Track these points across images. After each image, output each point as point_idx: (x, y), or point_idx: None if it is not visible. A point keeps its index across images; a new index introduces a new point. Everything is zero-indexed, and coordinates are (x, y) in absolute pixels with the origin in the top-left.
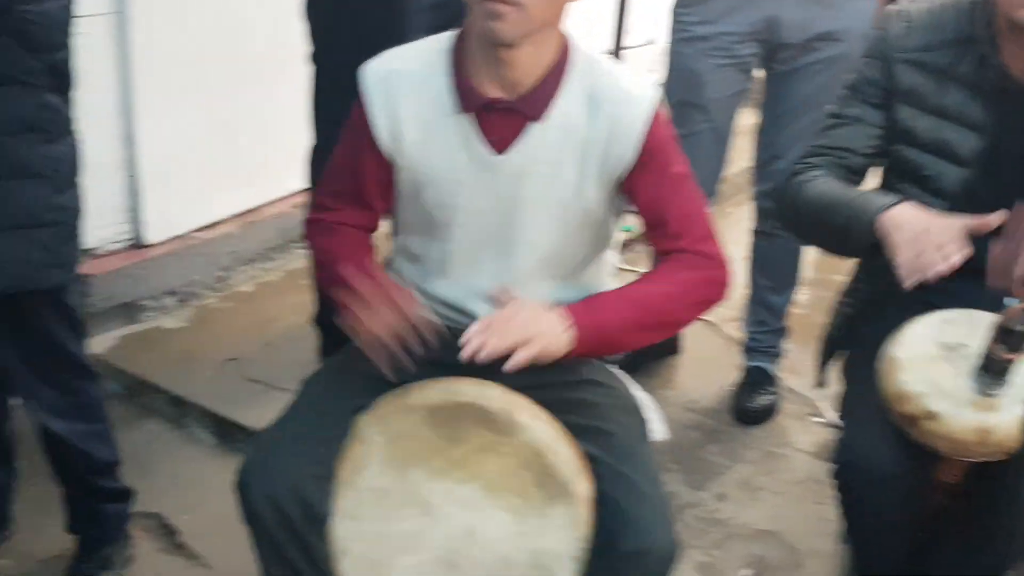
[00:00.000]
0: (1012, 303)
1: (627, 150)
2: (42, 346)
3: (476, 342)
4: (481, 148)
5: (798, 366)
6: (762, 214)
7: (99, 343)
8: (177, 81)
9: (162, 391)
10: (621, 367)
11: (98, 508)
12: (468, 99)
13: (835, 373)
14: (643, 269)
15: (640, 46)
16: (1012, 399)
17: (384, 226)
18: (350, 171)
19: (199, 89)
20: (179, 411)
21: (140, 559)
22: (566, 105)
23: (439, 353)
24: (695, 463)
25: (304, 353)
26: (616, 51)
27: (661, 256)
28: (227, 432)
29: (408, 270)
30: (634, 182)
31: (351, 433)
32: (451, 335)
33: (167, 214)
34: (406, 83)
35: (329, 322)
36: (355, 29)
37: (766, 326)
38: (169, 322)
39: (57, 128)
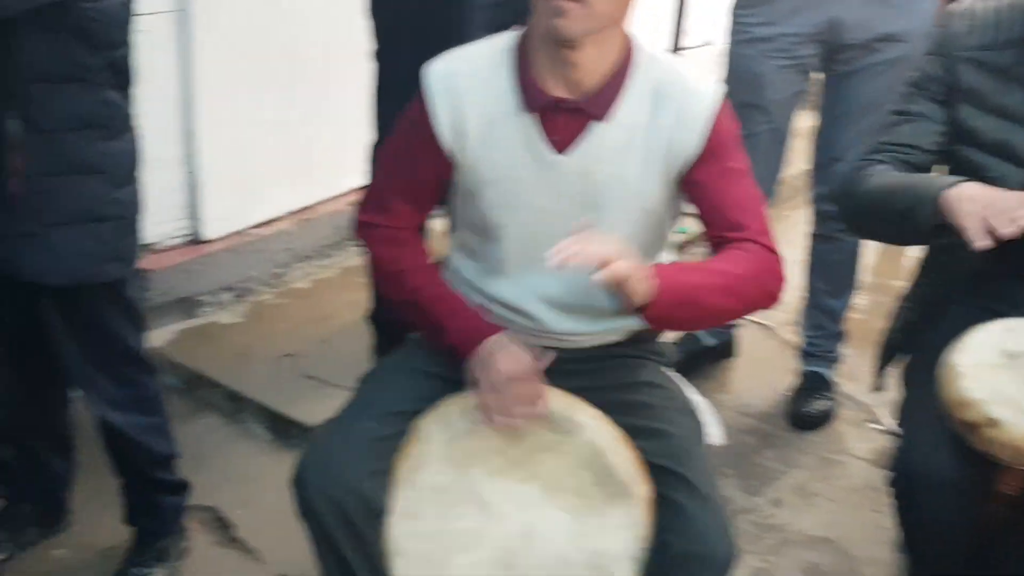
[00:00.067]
0: None
1: (691, 143)
2: (101, 339)
3: (569, 249)
4: (543, 148)
5: (855, 371)
6: (820, 217)
7: (157, 337)
8: (237, 78)
9: (218, 386)
10: (676, 370)
11: (155, 500)
12: (532, 98)
13: (893, 379)
14: None
15: (698, 47)
16: None
17: (439, 224)
18: (405, 168)
19: (259, 87)
20: (235, 406)
21: (195, 552)
22: (630, 104)
23: None
24: (750, 468)
25: (359, 350)
26: (674, 52)
27: (720, 247)
28: (282, 428)
29: (466, 268)
30: (696, 175)
31: (410, 431)
32: None
33: (225, 210)
34: (470, 82)
35: (384, 320)
36: (417, 26)
37: (823, 330)
38: (226, 317)
39: (117, 124)
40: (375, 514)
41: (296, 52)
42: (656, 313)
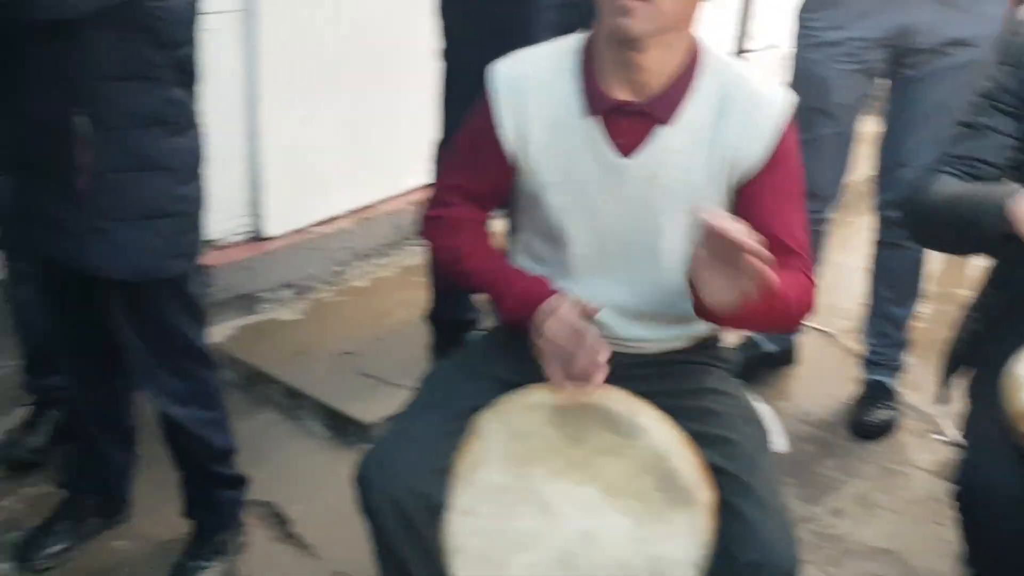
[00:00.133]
0: None
1: (755, 153)
2: (163, 334)
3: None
4: (608, 151)
5: (919, 381)
6: (885, 224)
7: (217, 333)
8: (301, 78)
9: (277, 382)
10: (737, 376)
11: (213, 494)
12: (596, 102)
13: (958, 390)
14: None
15: (762, 50)
16: None
17: (499, 224)
18: (469, 168)
19: (322, 86)
20: (293, 402)
21: (252, 547)
22: (695, 108)
23: None
24: (810, 477)
25: (416, 349)
26: (738, 55)
27: None
28: (340, 425)
29: (529, 267)
30: (754, 186)
31: (470, 429)
32: None
33: (287, 208)
34: (534, 85)
35: (442, 319)
36: (485, 26)
37: (887, 338)
38: (285, 314)
39: (182, 121)
40: (435, 512)
41: (360, 52)
42: (734, 317)
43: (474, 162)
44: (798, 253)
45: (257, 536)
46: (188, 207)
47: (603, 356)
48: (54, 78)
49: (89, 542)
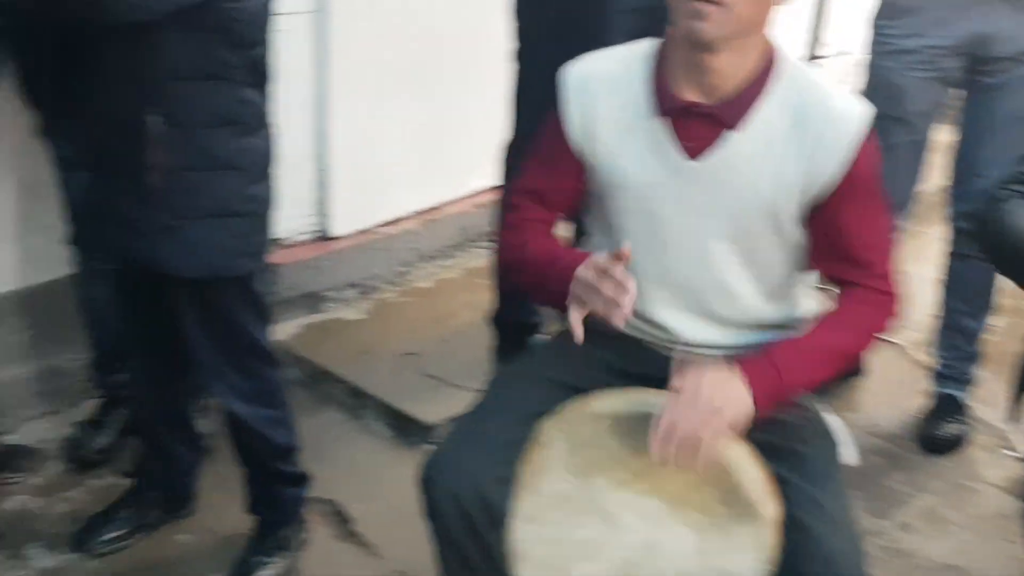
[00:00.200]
0: None
1: (831, 169)
2: (229, 332)
3: (661, 452)
4: (674, 153)
5: (990, 396)
6: (958, 235)
7: (283, 331)
8: (371, 79)
9: (341, 381)
10: None
11: (276, 491)
12: (664, 103)
13: None
14: (835, 289)
15: (834, 56)
16: None
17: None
18: (543, 172)
19: (391, 87)
20: (357, 402)
21: (314, 544)
22: (767, 115)
23: (629, 361)
24: (878, 490)
25: (479, 351)
26: (810, 61)
27: (836, 282)
28: (402, 425)
29: None
30: (830, 206)
31: (534, 437)
32: (638, 345)
33: (353, 208)
34: (603, 85)
35: (505, 322)
36: (559, 28)
37: (958, 351)
38: (350, 314)
39: (254, 122)
40: (498, 517)
41: (431, 53)
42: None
43: (548, 165)
44: (876, 269)
45: (318, 534)
46: (258, 207)
47: (630, 284)
48: (129, 78)
49: (150, 534)
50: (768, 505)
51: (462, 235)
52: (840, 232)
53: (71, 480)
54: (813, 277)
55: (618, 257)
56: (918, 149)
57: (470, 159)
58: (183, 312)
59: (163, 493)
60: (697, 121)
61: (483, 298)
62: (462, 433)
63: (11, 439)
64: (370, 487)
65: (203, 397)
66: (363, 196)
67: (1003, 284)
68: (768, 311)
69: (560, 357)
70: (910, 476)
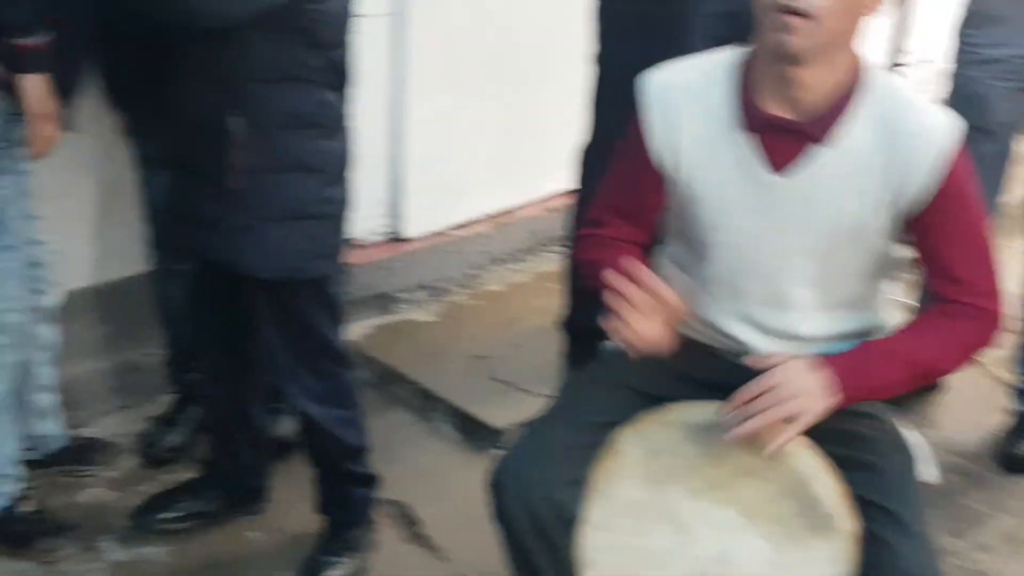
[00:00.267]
0: None
1: (922, 185)
2: (303, 333)
3: (741, 425)
4: (760, 168)
5: None
6: None
7: (354, 331)
8: (447, 82)
9: (410, 383)
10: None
11: (346, 492)
12: (750, 117)
13: None
14: (914, 302)
15: (916, 64)
16: None
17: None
18: (627, 186)
19: (468, 91)
20: (426, 404)
21: (382, 545)
22: (855, 130)
23: (704, 372)
24: (955, 509)
25: (548, 356)
26: (891, 69)
27: (936, 298)
28: (471, 429)
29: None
30: (924, 222)
31: (608, 444)
32: (713, 356)
33: (427, 211)
34: (687, 96)
35: (576, 327)
36: (641, 32)
37: None
38: (420, 315)
39: (332, 124)
40: (569, 523)
41: (507, 57)
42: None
43: (628, 177)
44: (977, 287)
45: (386, 535)
46: (334, 209)
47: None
48: (210, 80)
49: (212, 524)
50: (846, 518)
51: (534, 239)
52: (937, 248)
53: (144, 475)
54: (893, 288)
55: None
56: (1001, 160)
57: (544, 163)
58: (258, 313)
59: (229, 488)
60: (783, 135)
61: (553, 303)
62: (533, 438)
63: (87, 432)
64: (438, 490)
65: (276, 397)
66: (436, 198)
67: None
68: (843, 325)
69: (633, 364)
70: (989, 496)
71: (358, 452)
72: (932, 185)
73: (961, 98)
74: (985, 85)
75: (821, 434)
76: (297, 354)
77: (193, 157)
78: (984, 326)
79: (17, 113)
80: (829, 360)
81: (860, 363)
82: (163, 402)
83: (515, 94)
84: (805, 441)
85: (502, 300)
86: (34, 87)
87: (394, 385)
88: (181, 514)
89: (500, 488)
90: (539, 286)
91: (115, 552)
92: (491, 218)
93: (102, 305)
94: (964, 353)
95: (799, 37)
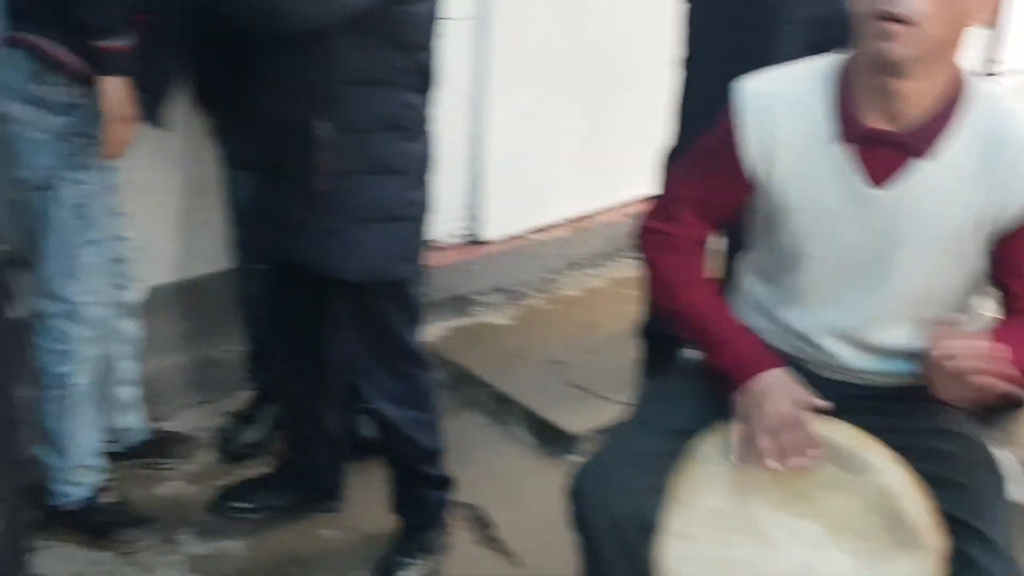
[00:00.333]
0: None
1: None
2: (382, 334)
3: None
4: (857, 180)
5: None
6: None
7: (430, 333)
8: (529, 85)
9: (486, 386)
10: (973, 418)
11: (420, 493)
12: (849, 128)
13: None
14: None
15: (1009, 74)
16: None
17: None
18: (702, 182)
19: (549, 95)
20: (501, 407)
21: (455, 548)
22: (958, 144)
23: None
24: None
25: (625, 363)
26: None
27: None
28: (546, 434)
29: (758, 292)
30: (1019, 236)
31: (689, 452)
32: (800, 368)
33: (505, 214)
34: (784, 105)
35: (654, 333)
36: (732, 37)
37: None
38: (497, 318)
39: (415, 126)
40: (648, 531)
41: (590, 61)
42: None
43: (708, 177)
44: None
45: (460, 538)
46: (416, 211)
47: (813, 455)
48: (297, 83)
49: (286, 518)
50: (933, 534)
51: (612, 244)
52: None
53: (222, 470)
54: (983, 303)
55: (809, 404)
56: None
57: (625, 167)
58: (338, 314)
59: (304, 485)
60: (883, 148)
61: (630, 309)
62: (614, 445)
63: (167, 426)
64: (512, 494)
65: (355, 398)
66: (515, 202)
67: None
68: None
69: (716, 374)
70: None
71: (433, 454)
72: None
73: None
74: None
75: (910, 451)
76: (375, 355)
77: (279, 160)
78: None
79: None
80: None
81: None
82: (242, 398)
83: (597, 98)
84: (893, 456)
85: (579, 305)
86: (114, 89)
87: (469, 388)
88: (255, 507)
89: (580, 495)
90: (616, 292)
91: (193, 545)
92: (570, 222)
93: (184, 301)
94: None
95: (901, 45)
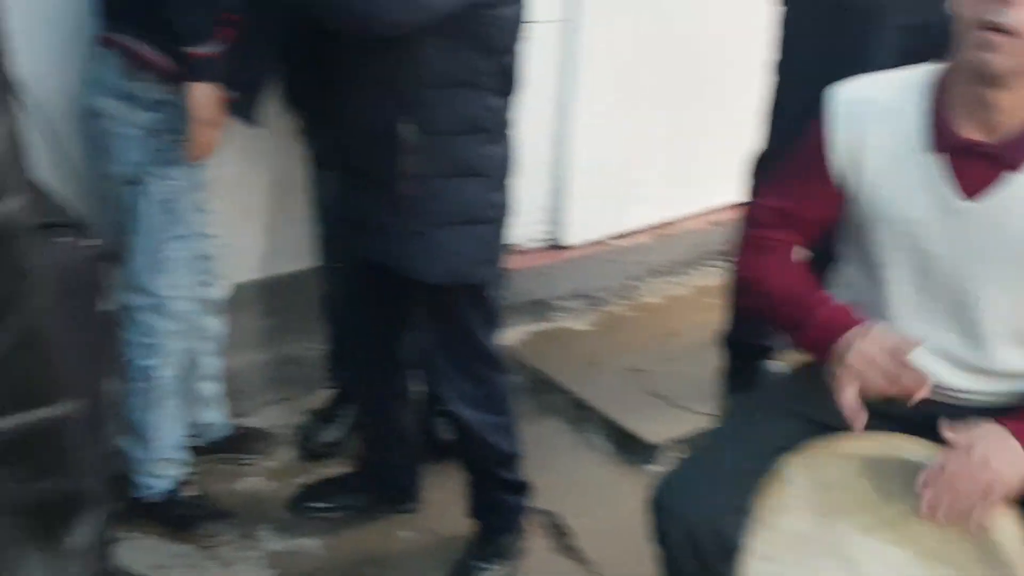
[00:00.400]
0: None
1: None
2: (460, 337)
3: (929, 499)
4: (948, 192)
5: None
6: None
7: (509, 336)
8: (615, 91)
9: (564, 392)
10: None
11: (498, 497)
12: (942, 138)
13: None
14: None
15: None
16: None
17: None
18: (793, 191)
19: (634, 101)
20: (579, 414)
21: (532, 554)
22: None
23: (883, 403)
24: None
25: (706, 373)
26: None
27: None
28: (625, 442)
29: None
30: None
31: (774, 472)
32: None
33: (588, 219)
34: (875, 113)
35: (737, 343)
36: (826, 42)
37: None
38: (576, 324)
39: (497, 129)
40: (729, 551)
41: (679, 66)
42: None
43: (800, 186)
44: None
45: (536, 544)
46: (497, 214)
47: (927, 378)
48: (383, 86)
49: (363, 517)
50: None
51: (695, 252)
52: None
53: (301, 467)
54: None
55: (911, 344)
56: None
57: (711, 174)
58: (418, 317)
59: (381, 485)
60: (976, 160)
61: (712, 318)
62: (698, 460)
63: (248, 422)
64: (590, 502)
65: (432, 400)
66: (598, 207)
67: None
68: None
69: (804, 390)
70: None
71: (510, 459)
72: None
73: None
74: None
75: None
76: (454, 358)
77: (364, 162)
78: None
79: None
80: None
81: None
82: (322, 396)
83: (685, 102)
84: None
85: (660, 313)
86: (202, 94)
87: (548, 393)
88: (333, 505)
89: (661, 508)
90: (698, 300)
91: (272, 541)
92: (653, 229)
93: (267, 298)
94: None
95: (1002, 55)
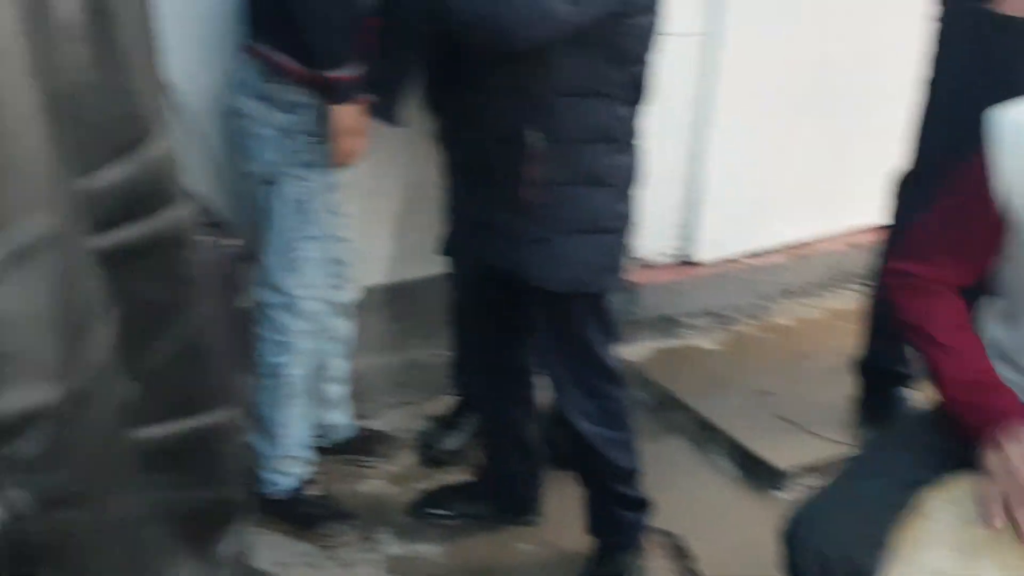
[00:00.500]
0: None
1: None
2: (578, 348)
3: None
4: None
5: None
6: None
7: (635, 352)
8: (755, 106)
9: (689, 410)
10: None
11: (616, 514)
12: None
13: None
14: None
15: None
16: None
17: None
18: (959, 223)
19: (774, 117)
20: (704, 434)
21: (652, 575)
22: None
23: None
24: None
25: (837, 398)
26: None
27: None
28: (750, 466)
29: (1002, 336)
30: None
31: (914, 506)
32: None
33: (720, 236)
34: None
35: (872, 370)
36: (985, 61)
37: None
38: (704, 342)
39: (624, 138)
40: None
41: (822, 82)
42: None
43: (961, 214)
44: None
45: (656, 565)
46: (622, 224)
47: None
48: (515, 94)
49: (481, 526)
50: None
51: (831, 274)
52: None
53: (422, 472)
54: None
55: None
56: None
57: (851, 195)
58: (537, 325)
59: (500, 496)
60: None
61: (846, 343)
62: (834, 491)
63: (372, 425)
64: (713, 525)
65: (556, 413)
66: (732, 224)
67: None
68: None
69: (946, 426)
70: None
71: (629, 474)
72: None
73: None
74: None
75: None
76: (571, 370)
77: (492, 168)
78: None
79: None
80: None
81: None
82: (445, 403)
83: (825, 119)
84: None
85: (791, 335)
86: (343, 115)
87: (672, 411)
88: (453, 513)
89: (794, 539)
90: (832, 324)
91: (392, 545)
92: (788, 249)
93: (395, 303)
94: None
95: None
